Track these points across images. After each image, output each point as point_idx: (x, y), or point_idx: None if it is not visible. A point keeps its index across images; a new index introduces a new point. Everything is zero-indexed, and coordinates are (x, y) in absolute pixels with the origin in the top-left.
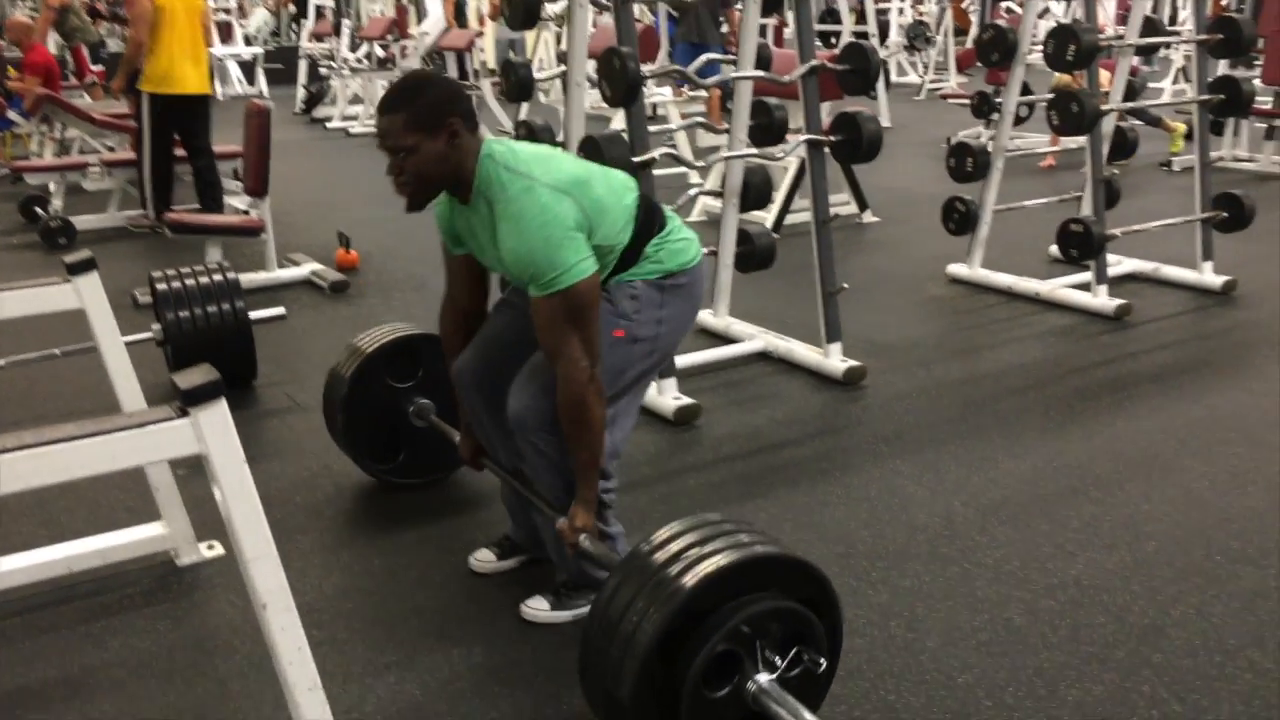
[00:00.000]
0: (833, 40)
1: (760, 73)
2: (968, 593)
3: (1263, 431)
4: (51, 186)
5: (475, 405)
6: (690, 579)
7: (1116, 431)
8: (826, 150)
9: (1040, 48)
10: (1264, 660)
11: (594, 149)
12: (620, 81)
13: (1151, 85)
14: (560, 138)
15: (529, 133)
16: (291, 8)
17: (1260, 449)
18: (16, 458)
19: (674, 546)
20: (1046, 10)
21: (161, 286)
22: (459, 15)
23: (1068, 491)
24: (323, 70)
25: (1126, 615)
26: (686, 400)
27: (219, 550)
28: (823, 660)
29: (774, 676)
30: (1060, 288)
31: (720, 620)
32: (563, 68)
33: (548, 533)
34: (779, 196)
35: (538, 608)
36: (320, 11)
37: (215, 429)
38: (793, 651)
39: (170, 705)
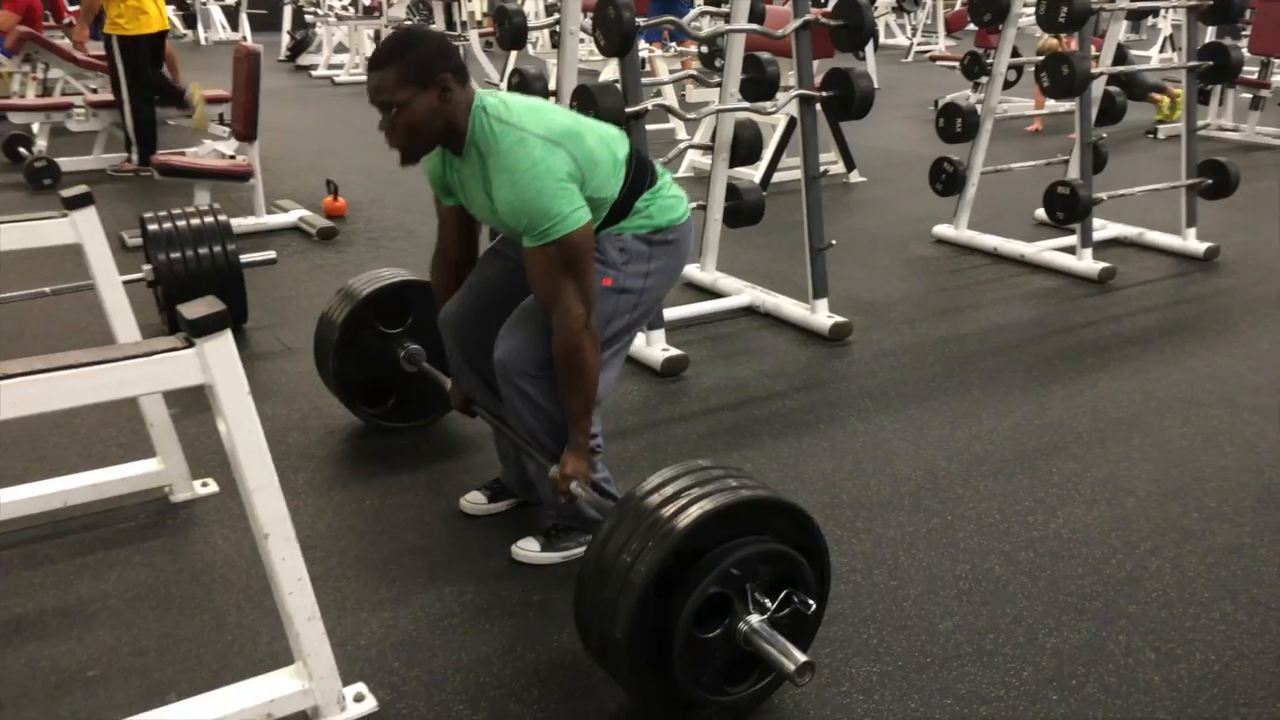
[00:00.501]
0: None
1: (754, 26)
2: (950, 543)
3: (1240, 394)
4: (35, 127)
5: (460, 353)
6: (684, 521)
7: (1098, 392)
8: (818, 107)
9: (1032, 9)
10: (1236, 613)
11: (588, 99)
12: (615, 31)
13: (1139, 53)
14: (552, 87)
15: (522, 81)
16: None
17: (1237, 411)
18: (29, 381)
19: (667, 490)
20: None
21: (153, 228)
22: None
23: (1049, 448)
24: (308, 17)
25: (1104, 568)
26: (675, 351)
27: (213, 487)
28: (811, 602)
29: (764, 618)
30: (1045, 250)
31: (712, 562)
32: (556, 16)
33: (539, 477)
34: (767, 153)
35: (528, 549)
36: None
37: (221, 360)
38: (782, 594)
39: (167, 635)
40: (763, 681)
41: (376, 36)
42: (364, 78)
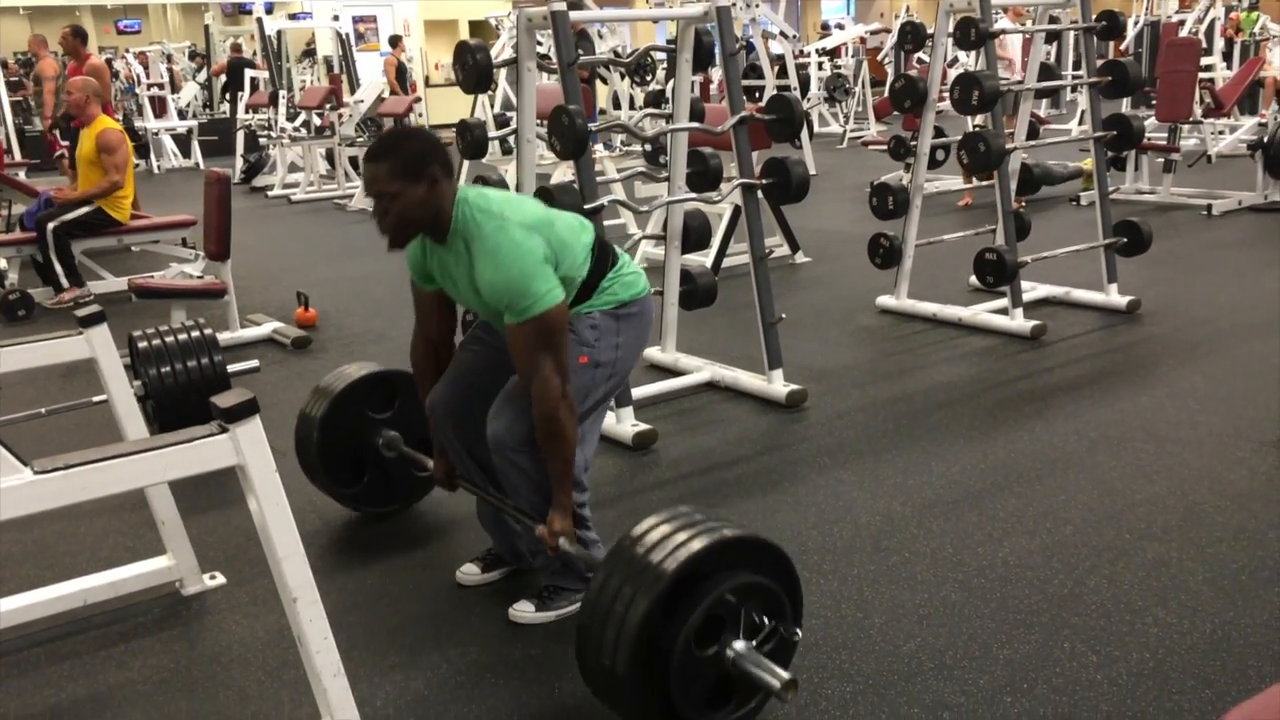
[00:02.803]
0: (756, 94)
1: (695, 125)
2: (908, 576)
3: (1164, 430)
4: (4, 263)
5: (448, 433)
6: (671, 563)
7: (1035, 435)
8: (759, 194)
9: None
10: (1167, 616)
11: (549, 198)
12: (570, 136)
13: (1059, 126)
14: (513, 189)
15: (485, 185)
16: (223, 77)
17: (1162, 444)
18: (90, 469)
19: (653, 536)
20: (955, 60)
21: (142, 345)
22: (400, 79)
23: (993, 488)
24: (261, 140)
25: (1047, 587)
26: (644, 426)
27: (221, 580)
28: (798, 630)
29: (751, 643)
30: (980, 313)
31: (706, 590)
32: (513, 127)
33: (527, 540)
34: (716, 240)
35: (524, 610)
36: (255, 84)
37: (252, 442)
38: (770, 625)
39: (196, 712)
40: (745, 707)
41: (329, 155)
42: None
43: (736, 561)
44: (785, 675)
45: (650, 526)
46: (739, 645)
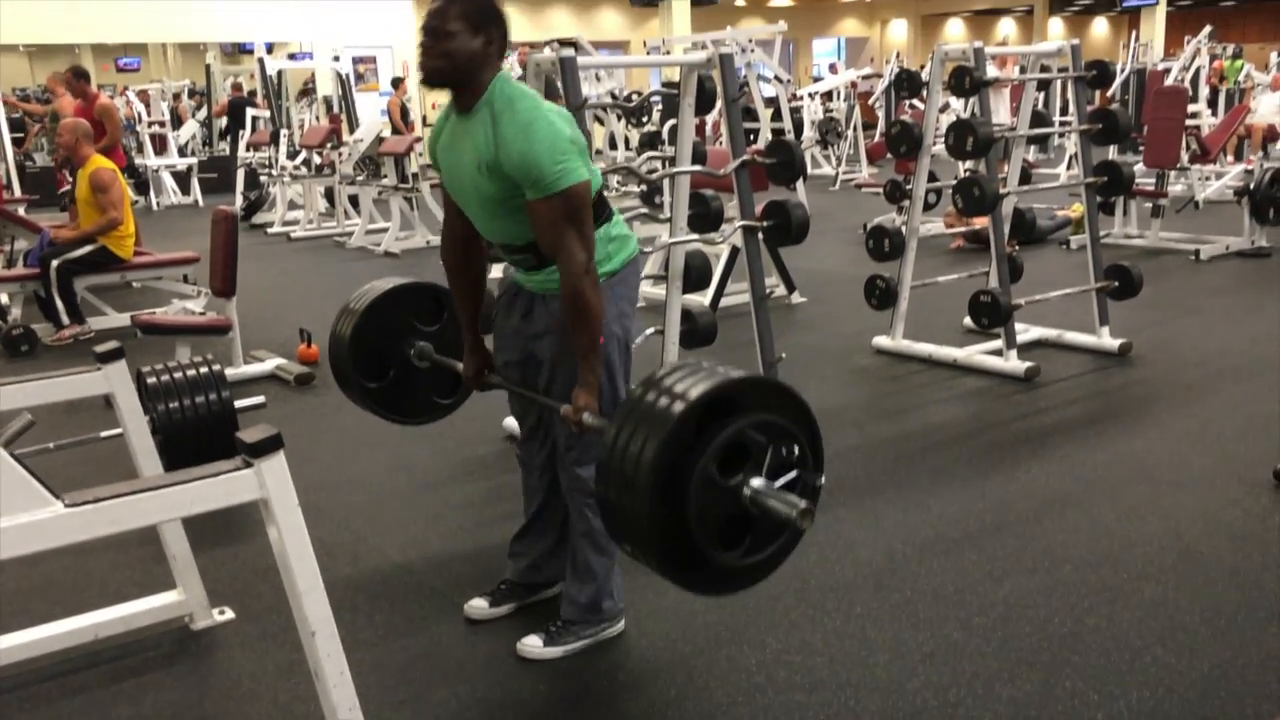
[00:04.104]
0: (751, 137)
1: (698, 167)
2: (911, 615)
3: (1159, 471)
4: (5, 299)
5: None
6: (695, 390)
7: (1032, 476)
8: (760, 235)
9: (942, 139)
10: (1166, 655)
11: None
12: None
13: (1048, 171)
14: None
15: None
16: (224, 120)
17: (1156, 486)
18: (121, 503)
19: (670, 379)
20: (947, 105)
21: (151, 380)
22: (404, 119)
23: (992, 527)
24: (262, 178)
25: (1048, 626)
26: None
27: (230, 615)
28: (821, 477)
29: (772, 483)
30: (975, 354)
31: (713, 435)
32: None
33: (559, 423)
34: (714, 280)
35: (532, 645)
36: (255, 122)
37: (275, 477)
38: (792, 474)
39: None
40: (763, 550)
41: (328, 193)
42: (319, 232)
43: (752, 403)
44: (802, 503)
45: (661, 375)
46: (757, 482)
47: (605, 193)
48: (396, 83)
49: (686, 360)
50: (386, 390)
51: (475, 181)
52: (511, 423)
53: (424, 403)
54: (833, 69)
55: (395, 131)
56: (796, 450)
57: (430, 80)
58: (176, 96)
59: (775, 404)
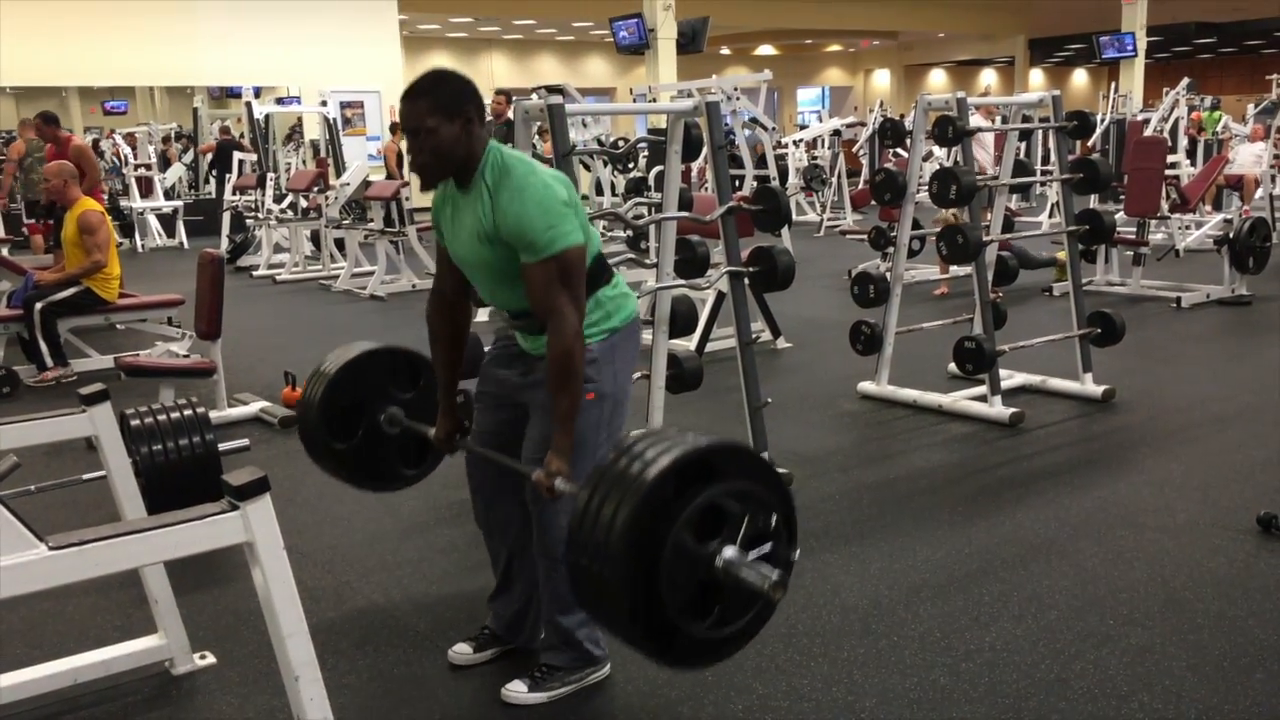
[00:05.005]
0: (737, 183)
1: (685, 214)
2: (898, 660)
3: (1143, 516)
4: None
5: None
6: (664, 460)
7: (1017, 521)
8: (745, 280)
9: (926, 188)
10: (1153, 701)
11: None
12: None
13: (1029, 219)
14: None
15: None
16: (209, 156)
17: (1141, 531)
18: (98, 547)
19: (640, 446)
20: (930, 154)
21: (135, 423)
22: (400, 164)
23: (978, 573)
24: (248, 221)
25: (1035, 671)
26: None
27: (211, 659)
28: (796, 550)
29: (746, 553)
30: (960, 400)
31: (686, 503)
32: None
33: (533, 497)
34: (700, 325)
35: (517, 690)
36: (242, 166)
37: (261, 520)
38: (766, 546)
39: None
40: (734, 623)
41: (314, 237)
42: (304, 275)
43: (725, 470)
44: (774, 575)
45: (632, 442)
46: (729, 552)
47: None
48: (394, 128)
49: (661, 427)
50: (353, 453)
51: (478, 251)
52: None
53: (390, 470)
54: (816, 114)
55: (389, 176)
56: (771, 522)
57: (429, 182)
58: (166, 140)
59: (751, 473)
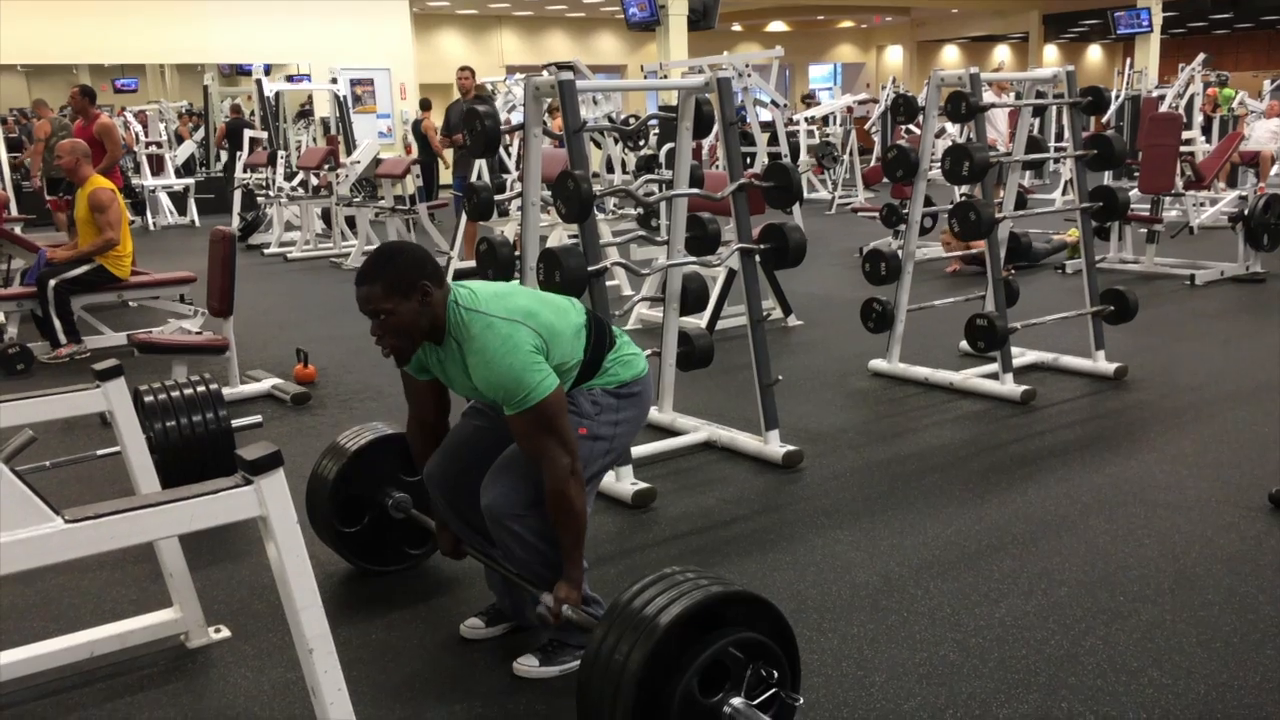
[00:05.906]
0: (748, 160)
1: (696, 190)
2: (908, 636)
3: (1154, 494)
4: (2, 317)
5: (448, 504)
6: (666, 616)
7: (1028, 499)
8: (757, 258)
9: (939, 164)
10: (1162, 677)
11: (553, 260)
12: (574, 200)
13: (1043, 196)
14: (517, 252)
15: (489, 248)
16: (225, 143)
17: (1152, 508)
18: (121, 519)
19: (649, 594)
20: (943, 130)
21: (149, 399)
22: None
23: (989, 549)
24: (259, 199)
25: (1045, 647)
26: (643, 485)
27: (225, 633)
28: (799, 696)
29: (751, 703)
30: (971, 377)
31: (699, 649)
32: (518, 190)
33: (530, 606)
34: (711, 302)
35: (528, 665)
36: (254, 144)
37: (275, 494)
38: (771, 691)
39: None
40: None
41: (325, 215)
42: (315, 253)
43: (734, 618)
44: None
45: (647, 584)
46: (737, 701)
47: (600, 214)
48: (426, 104)
49: (673, 569)
50: (360, 536)
51: (472, 389)
52: None
53: (395, 553)
54: (805, 102)
55: (434, 154)
56: (774, 673)
57: (403, 360)
58: (180, 116)
59: (758, 620)
